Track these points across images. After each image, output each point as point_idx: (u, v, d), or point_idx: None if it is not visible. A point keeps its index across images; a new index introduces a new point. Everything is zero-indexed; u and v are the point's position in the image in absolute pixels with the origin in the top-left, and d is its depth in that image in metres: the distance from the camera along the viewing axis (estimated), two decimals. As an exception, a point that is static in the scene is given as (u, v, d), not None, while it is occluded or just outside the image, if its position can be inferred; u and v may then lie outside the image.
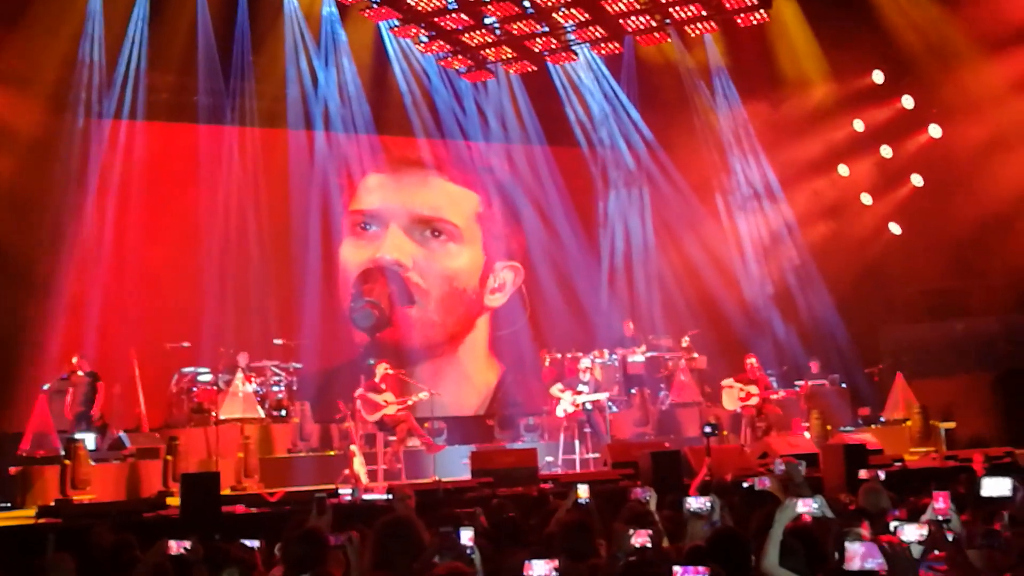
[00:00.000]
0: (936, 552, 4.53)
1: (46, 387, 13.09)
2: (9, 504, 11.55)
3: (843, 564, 4.15)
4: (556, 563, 4.10)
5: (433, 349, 17.61)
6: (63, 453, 11.68)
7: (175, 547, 5.16)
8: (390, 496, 8.56)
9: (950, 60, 16.45)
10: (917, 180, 18.20)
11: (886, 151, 18.42)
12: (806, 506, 4.93)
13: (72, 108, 15.26)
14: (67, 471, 11.22)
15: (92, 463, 11.70)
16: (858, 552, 4.14)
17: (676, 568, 3.95)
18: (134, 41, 15.54)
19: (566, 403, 14.46)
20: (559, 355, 16.52)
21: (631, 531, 4.92)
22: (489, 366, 18.15)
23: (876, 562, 4.09)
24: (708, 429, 11.25)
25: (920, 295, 18.38)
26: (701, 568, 3.93)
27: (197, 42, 15.82)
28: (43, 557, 6.24)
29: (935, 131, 17.87)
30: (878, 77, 18.23)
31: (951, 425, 14.86)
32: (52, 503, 10.79)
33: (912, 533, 4.59)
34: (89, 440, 12.47)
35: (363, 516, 7.09)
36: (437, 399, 14.93)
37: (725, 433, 14.62)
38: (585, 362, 14.92)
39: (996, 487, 5.59)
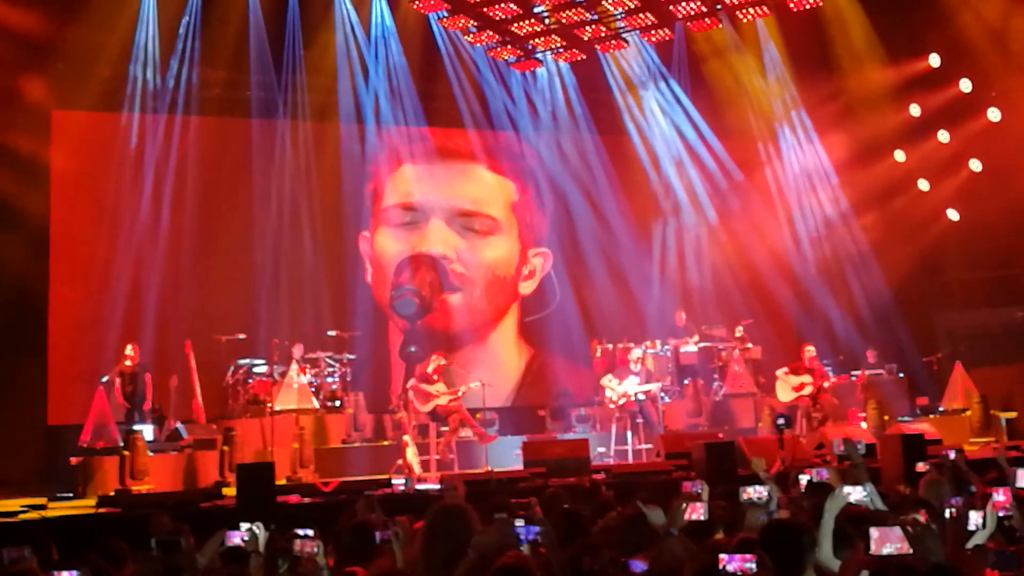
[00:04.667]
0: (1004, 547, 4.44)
1: (104, 379, 13.28)
2: (71, 494, 11.77)
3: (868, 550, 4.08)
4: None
5: (471, 334, 17.60)
6: (122, 444, 11.91)
7: (235, 537, 5.20)
8: (441, 486, 8.61)
9: (1008, 42, 16.08)
10: (975, 165, 17.84)
11: (943, 136, 18.07)
12: (856, 494, 4.83)
13: (127, 103, 15.48)
14: (126, 462, 11.47)
15: (150, 454, 11.93)
16: (881, 536, 4.07)
17: (723, 556, 3.90)
18: (187, 37, 15.73)
19: (616, 394, 14.41)
20: (610, 346, 16.44)
21: (684, 505, 4.92)
22: (520, 351, 18.12)
23: (899, 545, 4.01)
24: (782, 421, 11.23)
25: (979, 282, 18.06)
26: (748, 556, 3.88)
27: (249, 37, 15.97)
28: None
29: (993, 115, 17.49)
30: (934, 60, 17.89)
31: (1012, 415, 14.57)
32: (112, 493, 11.03)
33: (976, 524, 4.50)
34: (147, 431, 12.69)
35: (416, 506, 7.11)
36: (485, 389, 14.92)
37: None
38: (636, 352, 14.84)
39: None
